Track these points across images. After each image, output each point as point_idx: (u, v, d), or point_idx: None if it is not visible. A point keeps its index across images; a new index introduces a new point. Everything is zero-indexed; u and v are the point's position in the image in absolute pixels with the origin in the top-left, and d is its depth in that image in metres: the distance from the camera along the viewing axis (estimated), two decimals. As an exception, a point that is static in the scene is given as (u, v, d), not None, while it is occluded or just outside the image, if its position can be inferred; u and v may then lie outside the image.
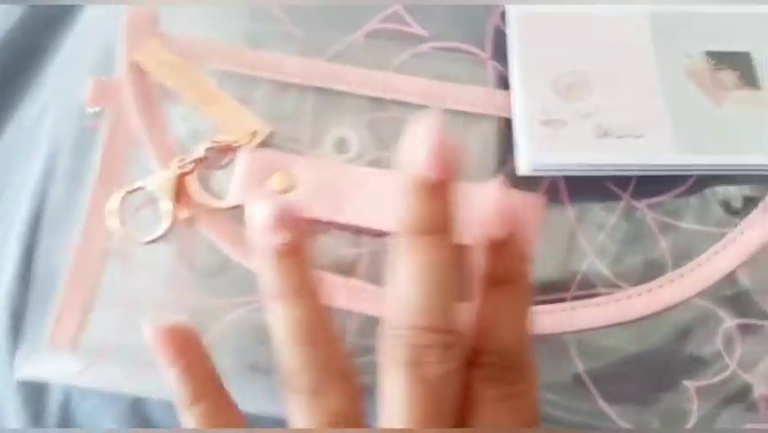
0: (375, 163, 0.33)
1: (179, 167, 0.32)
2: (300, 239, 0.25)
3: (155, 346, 0.26)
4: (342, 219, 0.33)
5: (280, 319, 0.24)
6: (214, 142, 0.32)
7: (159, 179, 0.32)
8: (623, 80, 0.31)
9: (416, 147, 0.23)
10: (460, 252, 0.24)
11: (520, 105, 0.31)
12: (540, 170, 0.30)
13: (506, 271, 0.24)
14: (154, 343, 0.26)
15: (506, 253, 0.24)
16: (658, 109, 0.30)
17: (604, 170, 0.30)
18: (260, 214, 0.24)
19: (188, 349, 0.26)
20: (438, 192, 0.23)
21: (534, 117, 0.30)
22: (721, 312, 0.32)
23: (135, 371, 0.33)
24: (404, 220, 0.23)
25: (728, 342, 0.32)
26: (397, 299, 0.23)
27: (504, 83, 0.33)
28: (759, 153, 0.29)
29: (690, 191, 0.33)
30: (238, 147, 0.32)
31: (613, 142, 0.29)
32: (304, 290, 0.24)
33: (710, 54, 0.31)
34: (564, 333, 0.32)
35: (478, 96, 0.34)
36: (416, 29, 0.35)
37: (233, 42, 0.35)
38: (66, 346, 0.32)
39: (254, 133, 0.32)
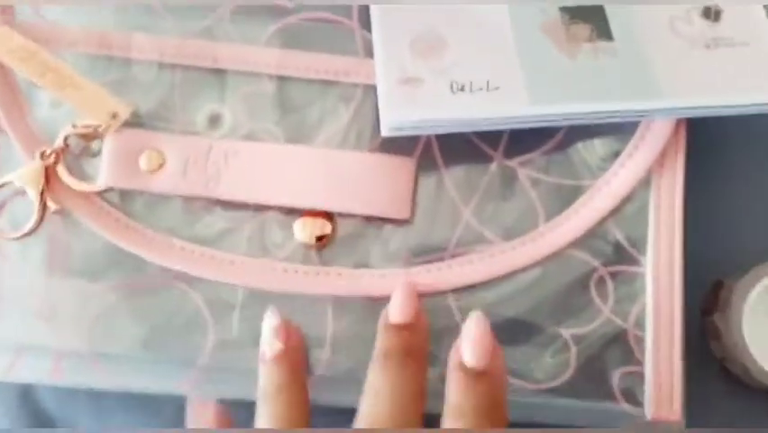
0: (250, 136, 0.33)
1: (42, 158, 0.32)
2: (292, 348, 0.31)
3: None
4: (215, 194, 0.33)
5: (263, 416, 0.29)
6: (74, 128, 0.32)
7: (25, 173, 0.32)
8: (479, 38, 0.31)
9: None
10: None
11: (380, 69, 0.31)
12: (399, 130, 0.30)
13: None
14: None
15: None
16: (513, 64, 0.31)
17: (462, 126, 0.30)
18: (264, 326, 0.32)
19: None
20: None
21: (393, 78, 0.30)
22: (593, 261, 0.33)
23: (20, 360, 0.33)
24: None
25: (601, 289, 0.33)
26: None
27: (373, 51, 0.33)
28: (611, 101, 0.30)
29: (558, 147, 0.34)
30: (101, 131, 0.32)
31: (468, 97, 0.30)
32: (287, 390, 0.30)
33: (565, 9, 0.32)
34: (443, 291, 0.33)
35: (349, 65, 0.34)
36: (282, 1, 0.35)
37: (97, 25, 0.34)
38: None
39: (114, 115, 0.32)
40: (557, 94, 0.30)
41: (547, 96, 0.30)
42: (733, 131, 0.37)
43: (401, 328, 0.30)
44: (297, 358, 0.31)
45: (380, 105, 0.31)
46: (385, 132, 0.31)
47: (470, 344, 0.29)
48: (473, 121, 0.30)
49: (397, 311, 0.30)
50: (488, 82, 0.30)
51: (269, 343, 0.31)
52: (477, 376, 0.28)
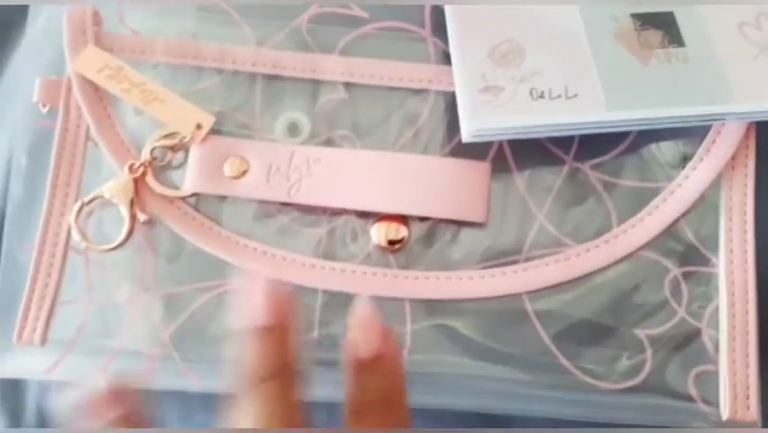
0: (328, 143, 0.35)
1: (131, 171, 0.34)
2: (280, 325, 0.25)
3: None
4: (298, 199, 0.34)
5: (241, 412, 0.24)
6: (160, 141, 0.34)
7: (114, 186, 0.34)
8: (555, 46, 0.33)
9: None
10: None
11: (460, 77, 0.33)
12: (481, 136, 0.32)
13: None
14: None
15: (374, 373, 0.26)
16: (589, 71, 0.32)
17: (542, 131, 0.32)
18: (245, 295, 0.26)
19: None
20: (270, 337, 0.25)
21: (474, 86, 0.32)
22: (666, 262, 0.34)
23: (113, 362, 0.34)
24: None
25: (675, 290, 0.34)
26: None
27: (446, 58, 0.35)
28: (684, 106, 0.32)
29: (629, 150, 0.35)
30: (186, 141, 0.34)
31: (548, 104, 0.31)
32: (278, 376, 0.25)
33: (636, 16, 0.34)
34: (517, 294, 0.34)
35: (424, 73, 0.36)
36: (357, 11, 0.36)
37: (178, 35, 0.36)
38: (35, 343, 0.34)
39: (199, 126, 0.34)
40: (633, 99, 0.32)
41: (623, 101, 0.32)
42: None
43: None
44: (285, 336, 0.25)
45: (461, 113, 0.32)
46: (467, 138, 0.32)
47: (356, 334, 0.26)
48: (554, 127, 0.32)
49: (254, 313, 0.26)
50: (566, 89, 0.32)
51: (251, 314, 0.25)
52: (368, 368, 0.26)
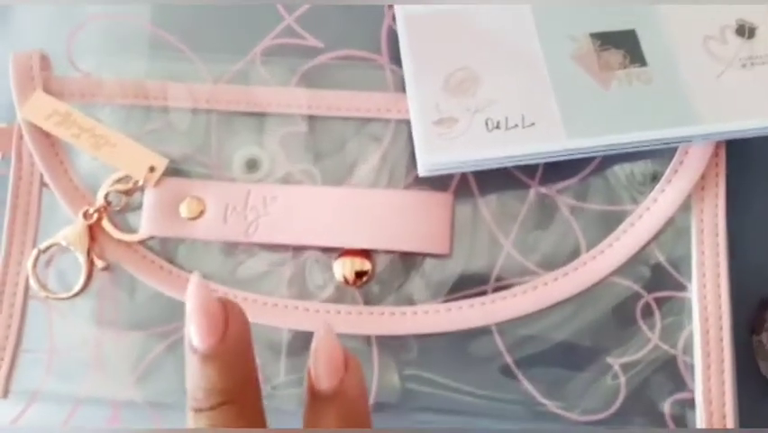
0: (287, 178, 0.35)
1: (86, 218, 0.34)
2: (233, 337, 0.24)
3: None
4: (256, 239, 0.34)
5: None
6: (114, 185, 0.34)
7: (70, 234, 0.34)
8: (510, 71, 0.32)
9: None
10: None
11: (414, 107, 0.32)
12: (436, 171, 0.31)
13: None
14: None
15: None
16: (547, 97, 0.31)
17: (499, 163, 0.31)
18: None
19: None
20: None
21: (428, 118, 0.31)
22: (637, 288, 0.33)
23: (78, 410, 0.34)
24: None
25: (647, 316, 0.33)
26: None
27: (404, 85, 0.34)
28: (647, 130, 0.31)
29: (596, 172, 0.34)
30: (139, 185, 0.34)
31: (504, 135, 0.31)
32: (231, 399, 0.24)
33: (595, 35, 0.33)
34: (488, 325, 0.33)
35: (382, 102, 0.35)
36: (311, 41, 0.36)
37: (132, 75, 0.36)
38: (-2, 394, 0.34)
39: (152, 168, 0.34)
40: (593, 126, 0.31)
41: (583, 129, 0.31)
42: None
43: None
44: (239, 352, 0.24)
45: (416, 147, 0.32)
46: (422, 172, 0.32)
47: (315, 364, 0.25)
48: (510, 159, 0.31)
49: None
50: (523, 117, 0.31)
51: (197, 333, 0.24)
52: (328, 400, 0.25)
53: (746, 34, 0.33)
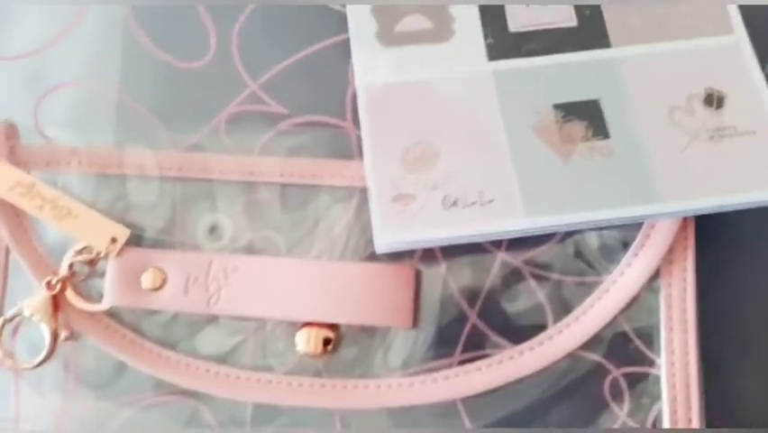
0: (250, 246, 0.35)
1: (48, 287, 0.34)
2: None
3: None
4: (218, 310, 0.34)
5: None
6: (76, 256, 0.34)
7: (34, 303, 0.34)
8: (470, 145, 0.32)
9: None
10: None
11: (372, 182, 0.32)
12: (393, 248, 0.31)
13: None
14: None
15: None
16: (506, 172, 0.31)
17: (457, 241, 0.31)
18: None
19: None
20: None
21: (385, 194, 0.31)
22: (605, 362, 0.33)
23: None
24: None
25: (616, 392, 0.33)
26: None
27: (367, 152, 0.34)
28: (606, 208, 0.30)
29: (563, 241, 0.34)
30: (101, 256, 0.34)
31: (461, 212, 0.31)
32: None
33: (558, 106, 0.32)
34: (453, 400, 0.33)
35: (347, 170, 0.35)
36: (275, 107, 0.36)
37: (98, 143, 0.36)
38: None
39: (114, 239, 0.34)
40: (552, 203, 0.31)
41: (542, 206, 0.31)
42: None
43: None
44: None
45: (373, 225, 0.32)
46: (380, 250, 0.32)
47: None
48: (467, 237, 0.31)
49: None
50: (481, 194, 0.31)
51: None
52: None
53: (715, 104, 0.32)
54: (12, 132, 0.36)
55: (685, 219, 0.33)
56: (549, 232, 0.31)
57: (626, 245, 0.34)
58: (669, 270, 0.33)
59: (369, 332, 0.34)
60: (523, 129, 0.32)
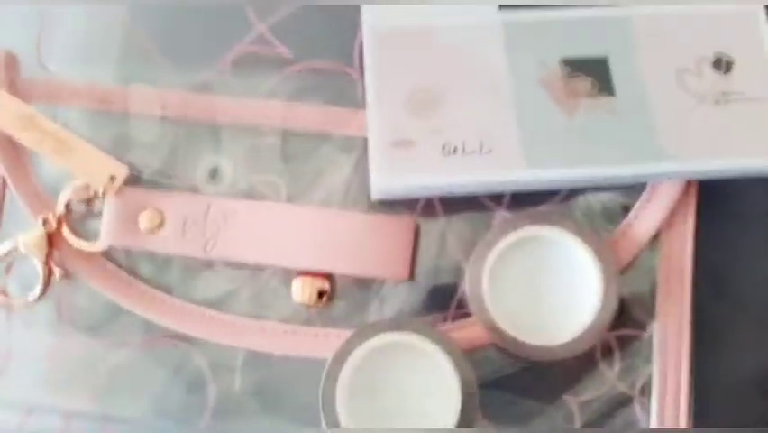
0: (250, 190, 0.35)
1: (44, 224, 0.34)
2: None
3: None
4: (214, 255, 0.34)
5: None
6: (75, 193, 0.35)
7: (28, 240, 0.35)
8: (475, 94, 0.32)
9: None
10: None
11: (373, 127, 0.32)
12: (389, 196, 0.32)
13: None
14: None
15: None
16: (508, 123, 0.32)
17: (454, 190, 0.31)
18: None
19: None
20: None
21: (385, 138, 0.32)
22: (599, 324, 0.33)
23: (30, 419, 0.35)
24: None
25: (606, 355, 0.33)
26: None
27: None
28: (608, 165, 0.31)
29: (564, 201, 0.34)
30: (99, 194, 0.34)
31: (460, 160, 0.31)
32: None
33: (565, 62, 0.33)
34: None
35: (349, 116, 0.35)
36: (283, 50, 0.36)
37: (101, 78, 0.36)
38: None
39: (112, 177, 0.34)
40: (553, 157, 0.31)
41: (543, 159, 0.31)
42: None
43: None
44: None
45: (371, 169, 0.32)
46: (375, 196, 0.32)
47: None
48: (465, 186, 0.31)
49: None
50: (481, 143, 0.31)
51: None
52: None
53: (723, 68, 0.32)
54: (12, 62, 0.36)
55: (688, 185, 0.33)
56: (548, 187, 0.32)
57: (626, 209, 0.34)
58: (668, 234, 0.33)
59: (364, 284, 0.35)
60: (529, 81, 0.32)
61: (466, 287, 0.33)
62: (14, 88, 0.36)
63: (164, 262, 0.35)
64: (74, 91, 0.36)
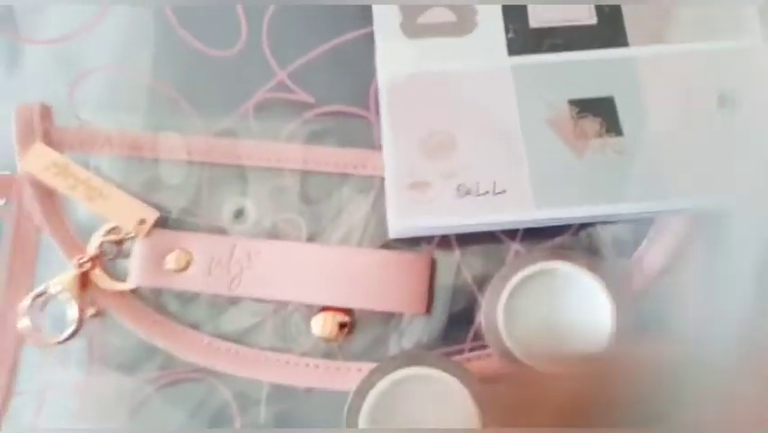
0: (273, 229, 0.37)
1: (78, 266, 0.36)
2: None
3: None
4: (239, 292, 0.36)
5: None
6: (105, 236, 0.37)
7: (63, 280, 0.37)
8: (487, 137, 0.34)
9: None
10: None
11: (390, 169, 0.34)
12: (406, 236, 0.33)
13: None
14: None
15: None
16: (519, 164, 0.33)
17: (469, 229, 0.33)
18: None
19: None
20: None
21: (402, 181, 0.33)
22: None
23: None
24: None
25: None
26: None
27: (389, 142, 0.36)
28: (619, 202, 0.32)
29: (576, 235, 0.36)
30: (130, 237, 0.36)
31: (474, 201, 0.32)
32: None
33: (573, 102, 0.34)
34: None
35: (366, 158, 0.37)
36: (303, 96, 0.38)
37: (129, 126, 0.38)
38: (-12, 435, 0.37)
39: (142, 221, 0.36)
40: (563, 196, 0.32)
41: (552, 198, 0.32)
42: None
43: None
44: None
45: (388, 210, 0.33)
46: (393, 235, 0.34)
47: None
48: (478, 226, 0.33)
49: None
50: (494, 184, 0.33)
51: None
52: None
53: (728, 106, 0.34)
54: (46, 113, 0.39)
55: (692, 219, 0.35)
56: (558, 224, 0.33)
57: (637, 242, 0.35)
58: (677, 267, 0.35)
59: (383, 317, 0.36)
60: (538, 123, 0.34)
61: (482, 319, 0.34)
62: (49, 138, 0.38)
63: (191, 298, 0.37)
64: (106, 139, 0.38)
